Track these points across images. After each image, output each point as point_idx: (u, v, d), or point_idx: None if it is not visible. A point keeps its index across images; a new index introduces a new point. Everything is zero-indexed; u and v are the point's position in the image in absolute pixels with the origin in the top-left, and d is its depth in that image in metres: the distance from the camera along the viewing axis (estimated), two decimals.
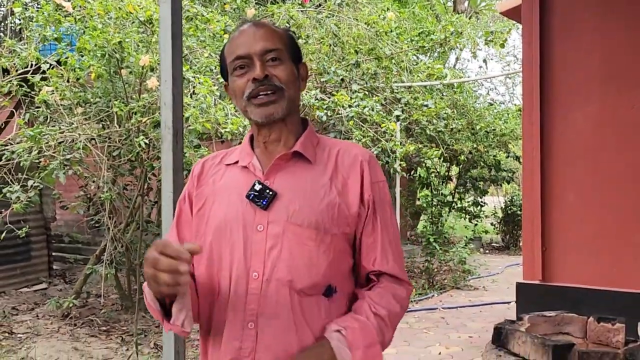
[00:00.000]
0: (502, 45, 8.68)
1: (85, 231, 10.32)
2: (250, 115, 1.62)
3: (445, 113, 8.34)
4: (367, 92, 7.55)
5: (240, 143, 5.79)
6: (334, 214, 1.58)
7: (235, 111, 5.74)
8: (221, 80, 5.93)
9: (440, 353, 5.82)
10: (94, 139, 6.18)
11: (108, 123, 6.48)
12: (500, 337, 2.59)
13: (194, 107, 5.20)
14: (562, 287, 4.79)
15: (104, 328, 6.92)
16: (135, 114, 5.61)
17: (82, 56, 5.77)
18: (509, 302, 8.16)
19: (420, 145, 7.90)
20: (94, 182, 6.99)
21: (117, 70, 5.95)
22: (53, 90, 5.88)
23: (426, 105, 7.77)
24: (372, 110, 6.61)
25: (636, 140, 4.56)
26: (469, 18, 13.89)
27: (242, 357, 1.54)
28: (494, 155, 12.55)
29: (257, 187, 1.59)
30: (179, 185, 2.22)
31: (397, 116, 7.28)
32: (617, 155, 4.63)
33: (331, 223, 1.57)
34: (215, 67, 6.04)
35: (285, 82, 1.61)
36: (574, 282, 4.76)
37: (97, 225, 8.47)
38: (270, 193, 1.57)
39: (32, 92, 6.36)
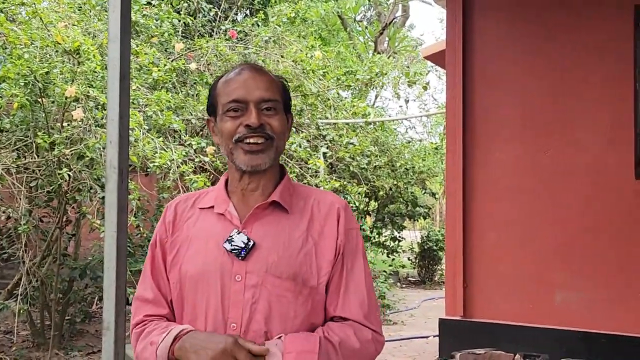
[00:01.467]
0: (425, 88, 9.00)
1: None
2: (235, 159, 1.61)
3: (369, 151, 8.52)
4: (293, 129, 7.62)
5: (164, 177, 5.67)
6: (311, 265, 1.58)
7: (163, 144, 5.68)
8: (150, 112, 5.89)
9: None
10: (9, 168, 5.95)
11: (25, 153, 6.27)
12: None
13: None
14: (482, 323, 4.96)
15: None
16: (58, 145, 5.46)
17: (2, 84, 5.59)
18: (427, 337, 8.32)
19: (344, 182, 8.02)
20: (3, 212, 6.71)
21: (37, 100, 5.78)
22: None
23: (352, 143, 7.92)
24: (300, 146, 6.68)
25: (551, 184, 4.83)
26: (388, 58, 14.29)
27: None
28: (412, 192, 12.86)
29: (236, 236, 1.57)
30: (123, 224, 2.19)
31: (324, 153, 7.38)
32: (534, 196, 4.88)
33: (309, 274, 1.58)
34: (143, 99, 5.98)
35: (278, 133, 1.61)
36: (494, 318, 4.94)
37: (7, 258, 8.11)
38: (250, 243, 1.56)
39: None
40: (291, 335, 1.52)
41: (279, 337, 1.52)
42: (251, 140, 1.58)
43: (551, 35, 4.90)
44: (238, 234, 1.58)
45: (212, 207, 1.68)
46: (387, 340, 8.09)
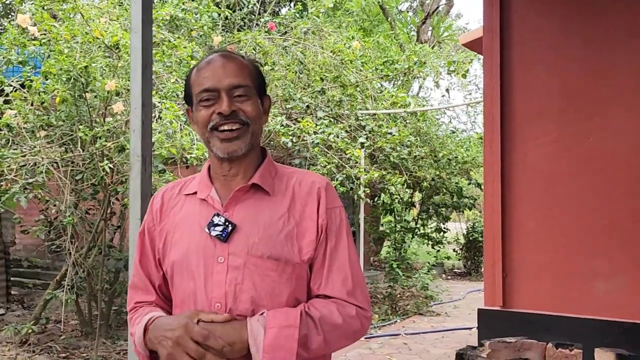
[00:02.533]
0: (464, 76, 8.88)
1: (45, 256, 10.14)
2: (212, 147, 1.64)
3: (408, 141, 8.47)
4: (332, 119, 7.64)
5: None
6: (292, 244, 1.60)
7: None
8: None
9: None
10: (56, 162, 6.12)
11: (71, 147, 6.43)
12: None
13: (159, 132, 5.20)
14: (522, 313, 4.87)
15: (63, 355, 6.79)
16: (100, 138, 5.59)
17: (47, 79, 5.74)
18: (470, 328, 8.24)
19: (384, 172, 7.99)
20: (54, 205, 6.91)
21: (81, 94, 5.92)
22: (16, 114, 5.82)
23: (390, 133, 7.88)
24: (337, 137, 6.68)
25: (592, 169, 4.70)
26: (432, 47, 14.15)
27: None
28: (456, 182, 12.74)
29: (216, 219, 1.61)
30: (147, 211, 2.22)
31: (362, 143, 7.36)
32: (574, 183, 4.76)
33: (291, 253, 1.59)
34: (182, 92, 6.06)
35: (252, 117, 1.63)
36: (533, 308, 4.85)
37: (57, 250, 8.35)
38: (230, 226, 1.59)
39: None
40: (273, 310, 1.54)
41: (261, 314, 1.54)
42: (225, 128, 1.60)
43: (590, 17, 4.77)
44: (218, 217, 1.61)
45: (196, 193, 1.71)
46: (429, 332, 8.06)
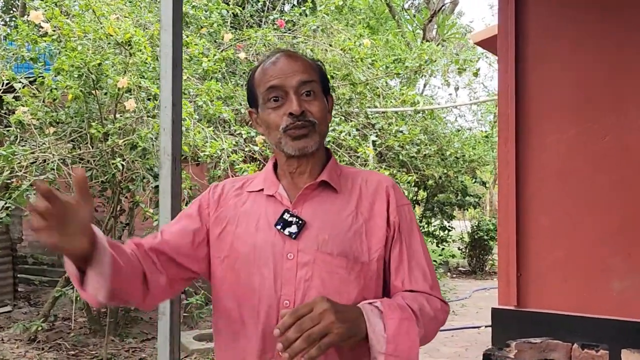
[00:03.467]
0: (476, 74, 8.86)
1: (51, 252, 10.13)
2: (283, 147, 1.61)
3: (418, 139, 8.45)
4: (342, 117, 7.62)
5: (215, 167, 5.75)
6: (362, 242, 1.58)
7: (213, 133, 5.73)
8: (200, 102, 5.95)
9: None
10: (66, 159, 6.10)
11: (80, 144, 6.41)
12: None
13: None
14: (537, 313, 4.86)
15: (72, 352, 6.78)
16: (112, 135, 5.57)
17: (58, 76, 5.72)
18: (479, 327, 8.24)
19: (393, 170, 7.97)
20: None
21: (91, 91, 5.90)
22: (27, 110, 5.81)
23: (401, 131, 7.87)
24: (349, 135, 6.66)
25: (607, 167, 4.68)
26: (437, 46, 14.15)
27: None
28: (462, 181, 12.73)
29: (287, 216, 1.59)
30: (177, 210, 2.22)
31: (374, 141, 7.34)
32: (590, 181, 4.74)
33: (360, 251, 1.58)
34: (194, 89, 6.04)
35: (319, 118, 1.61)
36: (548, 307, 4.83)
37: None
38: (300, 222, 1.58)
39: (1, 111, 6.27)
40: (387, 302, 1.49)
41: (372, 304, 1.48)
42: (295, 130, 1.58)
43: (606, 13, 4.74)
44: (288, 213, 1.59)
45: (262, 190, 1.69)
46: (440, 330, 8.04)
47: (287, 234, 1.57)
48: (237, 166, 5.63)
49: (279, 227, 1.58)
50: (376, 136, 7.76)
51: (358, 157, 7.23)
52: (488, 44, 5.84)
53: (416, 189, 13.34)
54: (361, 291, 1.57)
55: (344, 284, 1.55)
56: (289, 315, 1.37)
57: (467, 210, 15.11)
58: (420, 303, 1.57)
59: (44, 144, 6.05)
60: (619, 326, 4.45)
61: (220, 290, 1.66)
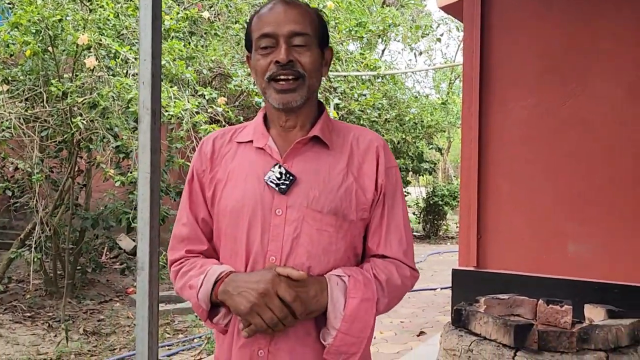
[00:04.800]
0: (439, 40, 8.90)
1: (3, 215, 9.88)
2: (267, 97, 1.59)
3: (379, 103, 8.47)
4: None
5: (177, 127, 5.66)
6: (351, 200, 1.58)
7: (177, 93, 5.65)
8: (163, 61, 5.83)
9: (375, 337, 5.95)
10: (20, 118, 5.92)
11: (34, 102, 6.23)
12: (461, 317, 2.69)
13: (135, 88, 5.08)
14: (496, 274, 5.00)
15: (29, 314, 6.68)
16: (71, 93, 5.42)
17: (16, 29, 5.51)
18: (435, 289, 8.43)
19: None
20: (12, 163, 6.72)
21: (47, 48, 5.71)
22: None
23: (364, 95, 7.87)
24: None
25: (567, 134, 4.81)
26: (396, 10, 14.12)
27: (258, 339, 1.53)
28: (418, 146, 12.86)
29: (277, 170, 1.56)
30: (156, 165, 2.18)
31: (337, 104, 7.34)
32: (550, 147, 4.87)
33: (349, 209, 1.57)
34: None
35: (309, 70, 1.57)
36: (507, 268, 4.98)
37: (18, 208, 8.15)
38: (291, 178, 1.55)
39: None
40: (353, 279, 1.52)
41: (340, 277, 1.52)
42: (282, 78, 1.55)
43: None
44: (279, 167, 1.57)
45: (251, 141, 1.66)
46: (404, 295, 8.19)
47: (277, 189, 1.55)
48: (200, 127, 5.56)
49: (268, 181, 1.56)
50: (339, 99, 7.76)
51: None
52: (453, 9, 5.86)
53: None
54: (347, 249, 1.58)
55: (332, 242, 1.55)
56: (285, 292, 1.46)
57: (422, 175, 15.28)
58: (389, 272, 1.59)
59: None
60: (573, 286, 4.62)
61: (216, 248, 1.67)
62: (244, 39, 1.71)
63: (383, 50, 16.07)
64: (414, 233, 15.38)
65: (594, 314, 2.76)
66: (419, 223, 15.48)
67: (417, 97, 13.32)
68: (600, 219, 4.71)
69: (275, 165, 1.57)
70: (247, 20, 1.71)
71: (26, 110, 6.12)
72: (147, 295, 2.33)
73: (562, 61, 4.85)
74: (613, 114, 4.65)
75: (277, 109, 1.61)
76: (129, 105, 5.26)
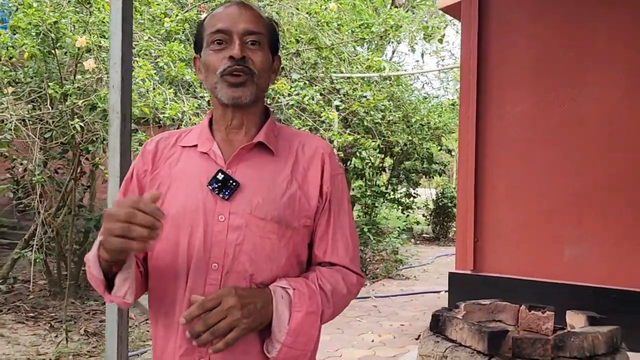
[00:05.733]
0: (441, 41, 8.85)
1: (11, 215, 9.98)
2: (217, 93, 1.57)
3: (382, 105, 8.44)
4: (306, 82, 7.57)
5: (178, 129, 5.72)
6: (295, 207, 1.57)
7: (175, 96, 5.67)
8: (162, 63, 5.87)
9: (373, 340, 5.93)
10: (24, 120, 5.98)
11: (40, 104, 6.28)
12: (438, 323, 2.67)
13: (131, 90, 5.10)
14: (492, 277, 4.97)
15: (32, 314, 6.73)
16: (70, 95, 5.46)
17: (15, 34, 5.57)
18: (439, 292, 8.38)
19: (357, 136, 7.97)
20: (21, 164, 6.77)
21: (51, 51, 5.76)
22: None
23: (365, 97, 7.85)
24: (312, 99, 6.63)
25: (563, 137, 4.77)
26: (406, 12, 14.07)
27: (197, 348, 1.50)
28: (427, 148, 12.80)
29: (220, 176, 1.54)
30: (126, 169, 2.19)
31: (337, 106, 7.33)
32: (545, 150, 4.83)
33: (292, 217, 1.56)
34: (155, 50, 5.94)
35: (259, 69, 1.57)
36: (504, 272, 4.95)
37: (24, 209, 8.22)
38: (234, 184, 1.54)
39: None
40: (298, 292, 1.51)
41: (285, 289, 1.50)
42: (234, 74, 1.54)
43: None
44: (222, 174, 1.55)
45: (195, 145, 1.64)
46: (399, 295, 8.18)
47: (220, 195, 1.54)
48: None
49: (211, 187, 1.54)
50: (340, 101, 7.74)
51: (323, 122, 7.21)
52: (453, 10, 5.84)
53: (382, 155, 13.39)
54: (289, 257, 1.57)
55: (275, 250, 1.54)
56: (196, 307, 1.43)
57: (433, 177, 15.21)
58: (335, 281, 1.59)
59: (1, 104, 5.91)
60: (570, 290, 4.59)
61: (153, 251, 1.62)
62: (194, 39, 1.69)
63: (393, 52, 16.06)
64: (424, 235, 15.33)
65: (575, 320, 2.73)
66: (428, 225, 15.40)
67: (426, 98, 13.26)
68: (597, 223, 4.66)
69: (219, 171, 1.56)
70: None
71: (29, 113, 6.17)
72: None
73: (559, 63, 4.81)
74: (610, 116, 4.60)
75: (224, 107, 1.59)
76: None
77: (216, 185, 1.54)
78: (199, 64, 1.65)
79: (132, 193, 1.66)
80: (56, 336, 6.08)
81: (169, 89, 5.59)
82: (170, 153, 1.66)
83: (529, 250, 4.90)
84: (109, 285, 1.51)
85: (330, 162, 1.64)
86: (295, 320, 1.48)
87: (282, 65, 7.55)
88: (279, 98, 6.65)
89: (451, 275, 5.25)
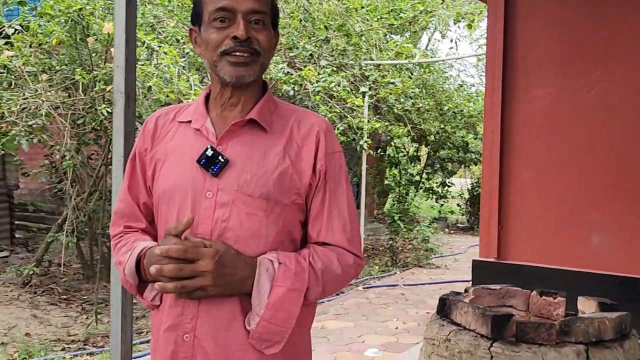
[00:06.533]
0: (470, 26, 8.70)
1: (48, 200, 10.22)
2: (219, 71, 1.56)
3: (412, 92, 8.37)
4: (335, 69, 7.55)
5: None
6: (285, 184, 1.55)
7: (201, 82, 5.71)
8: (188, 50, 5.91)
9: (397, 327, 5.91)
10: (58, 106, 6.09)
11: (73, 91, 6.40)
12: (444, 307, 2.65)
13: (157, 76, 5.16)
14: (516, 265, 4.90)
15: (65, 297, 6.90)
16: (99, 81, 5.55)
17: (47, 22, 5.68)
18: (468, 280, 8.29)
19: (387, 124, 7.93)
20: (58, 150, 6.91)
21: (82, 38, 5.86)
22: (16, 56, 5.78)
23: (393, 83, 7.79)
24: (339, 85, 6.61)
25: (591, 122, 4.66)
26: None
27: (183, 322, 1.53)
28: (462, 137, 12.66)
29: (209, 152, 1.54)
30: (130, 149, 2.21)
31: (364, 92, 7.29)
32: (572, 136, 4.73)
33: (282, 193, 1.55)
34: (182, 37, 5.99)
35: (264, 48, 1.56)
36: (529, 260, 4.87)
37: (60, 194, 8.40)
38: (222, 160, 1.54)
39: None
40: (284, 267, 1.50)
41: (271, 262, 1.50)
42: (237, 54, 1.53)
43: None
44: (212, 150, 1.55)
45: (190, 121, 1.64)
46: (427, 283, 8.13)
47: (209, 171, 1.54)
48: None
49: (200, 163, 1.54)
50: (369, 88, 7.70)
51: (351, 109, 7.19)
52: None
53: (417, 144, 13.30)
54: (279, 234, 1.56)
55: (263, 227, 1.53)
56: (176, 250, 1.42)
57: (469, 167, 15.05)
58: (329, 260, 1.56)
59: (36, 90, 6.04)
60: (596, 279, 4.49)
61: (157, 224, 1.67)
62: (192, 10, 1.67)
63: (429, 40, 15.89)
64: (458, 225, 15.19)
65: (587, 306, 2.68)
66: (462, 215, 15.26)
67: (461, 86, 13.10)
68: (626, 211, 4.55)
69: (208, 147, 1.55)
70: None
71: (63, 99, 6.29)
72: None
73: (587, 48, 4.69)
74: (639, 100, 4.48)
75: (224, 84, 1.59)
76: (153, 93, 5.34)
77: (205, 162, 1.54)
78: (197, 38, 1.64)
79: (136, 173, 1.69)
80: (87, 318, 6.23)
81: (195, 74, 5.63)
82: (169, 129, 1.68)
83: (554, 238, 4.81)
84: (140, 286, 1.61)
85: (325, 140, 1.61)
86: (275, 295, 1.48)
87: (310, 52, 7.59)
88: (306, 85, 6.65)
89: (475, 263, 5.19)
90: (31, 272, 6.70)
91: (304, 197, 1.59)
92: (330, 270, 1.56)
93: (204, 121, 1.62)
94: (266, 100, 1.64)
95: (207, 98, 1.68)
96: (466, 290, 2.85)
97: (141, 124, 5.68)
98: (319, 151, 1.60)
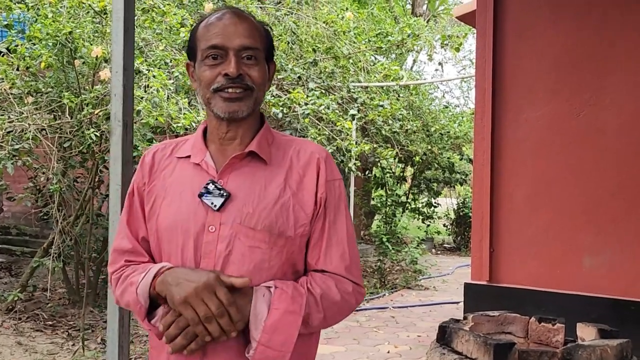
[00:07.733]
0: (457, 49, 8.78)
1: (33, 224, 10.09)
2: (213, 107, 1.56)
3: (400, 114, 8.40)
4: (323, 91, 7.56)
5: None
6: (288, 216, 1.54)
7: (189, 105, 5.68)
8: (177, 73, 5.90)
9: (389, 352, 5.87)
10: (44, 129, 6.04)
11: (59, 114, 6.35)
12: (445, 335, 2.62)
13: (146, 100, 5.13)
14: (508, 288, 4.89)
15: (50, 323, 6.77)
16: (87, 105, 5.51)
17: (34, 45, 5.65)
18: (457, 302, 8.28)
19: (375, 145, 7.94)
20: (43, 173, 6.84)
21: (70, 61, 5.83)
22: (2, 78, 5.73)
23: (382, 106, 7.82)
24: (328, 108, 6.61)
25: (581, 145, 4.69)
26: (427, 21, 14.05)
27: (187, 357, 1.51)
28: (448, 157, 12.73)
29: (211, 187, 1.54)
30: (128, 177, 2.18)
31: (353, 115, 7.30)
32: (563, 159, 4.75)
33: (285, 225, 1.54)
34: (171, 60, 5.98)
35: (257, 84, 1.56)
36: (520, 283, 4.86)
37: (46, 217, 8.30)
38: (224, 194, 1.53)
39: None
40: (280, 290, 1.49)
41: (268, 288, 1.49)
42: (230, 90, 1.53)
43: None
44: (213, 184, 1.54)
45: (189, 156, 1.63)
46: (417, 305, 8.10)
47: (211, 205, 1.53)
48: None
49: (202, 198, 1.54)
50: (357, 110, 7.72)
51: (340, 131, 7.19)
52: (470, 18, 5.79)
53: (403, 165, 13.35)
54: (282, 266, 1.55)
55: (265, 260, 1.52)
56: (171, 314, 1.46)
57: (454, 187, 15.12)
58: (326, 287, 1.55)
59: (22, 113, 5.98)
60: (588, 302, 4.49)
61: (156, 260, 1.64)
62: (187, 45, 1.67)
63: (414, 62, 16.01)
64: (445, 245, 15.20)
65: (586, 333, 2.66)
66: (449, 235, 15.28)
67: (446, 107, 13.19)
68: (616, 233, 4.57)
69: (210, 181, 1.55)
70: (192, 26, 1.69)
71: (49, 122, 6.23)
72: (117, 312, 2.34)
73: (576, 70, 4.73)
74: (629, 123, 4.52)
75: (219, 119, 1.58)
76: (142, 117, 5.31)
77: (207, 196, 1.53)
78: (193, 73, 1.64)
79: (135, 208, 1.67)
80: (73, 344, 6.11)
81: (184, 98, 5.61)
82: (166, 164, 1.66)
83: (547, 261, 4.82)
84: (148, 312, 1.56)
85: (326, 168, 1.61)
86: (272, 318, 1.46)
87: (298, 75, 7.61)
88: (295, 107, 6.65)
89: (467, 286, 5.18)
90: (15, 298, 6.58)
91: (308, 227, 1.58)
92: (329, 296, 1.55)
93: (203, 155, 1.61)
94: (264, 132, 1.64)
95: (204, 132, 1.67)
96: (465, 318, 2.82)
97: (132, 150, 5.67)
98: (319, 179, 1.60)
